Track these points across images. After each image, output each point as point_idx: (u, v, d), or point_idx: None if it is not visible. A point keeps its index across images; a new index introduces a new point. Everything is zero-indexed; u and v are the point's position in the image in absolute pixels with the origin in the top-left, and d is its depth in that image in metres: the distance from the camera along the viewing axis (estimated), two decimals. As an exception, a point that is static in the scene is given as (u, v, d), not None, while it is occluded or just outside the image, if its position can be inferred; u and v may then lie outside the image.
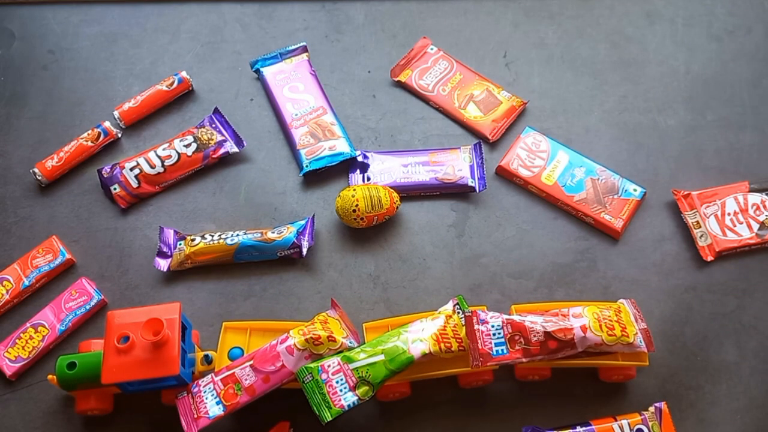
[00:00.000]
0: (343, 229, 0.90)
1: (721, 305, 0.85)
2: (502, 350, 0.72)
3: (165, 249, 0.87)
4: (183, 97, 0.99)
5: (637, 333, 0.74)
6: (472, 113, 0.97)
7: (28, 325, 0.82)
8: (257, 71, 1.00)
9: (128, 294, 0.86)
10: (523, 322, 0.73)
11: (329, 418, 0.69)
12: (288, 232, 0.86)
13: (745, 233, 0.87)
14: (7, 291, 0.84)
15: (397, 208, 0.88)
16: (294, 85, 0.98)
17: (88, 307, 0.83)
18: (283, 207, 0.92)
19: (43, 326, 0.82)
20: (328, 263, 0.88)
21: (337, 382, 0.70)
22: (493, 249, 0.88)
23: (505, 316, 0.73)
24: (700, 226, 0.88)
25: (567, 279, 0.87)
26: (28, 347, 0.81)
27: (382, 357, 0.71)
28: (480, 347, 0.72)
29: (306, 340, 0.71)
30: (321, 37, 1.04)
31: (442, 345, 0.73)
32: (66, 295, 0.84)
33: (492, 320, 0.73)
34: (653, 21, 1.05)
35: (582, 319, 0.73)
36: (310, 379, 0.70)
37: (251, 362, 0.72)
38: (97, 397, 0.75)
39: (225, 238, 0.86)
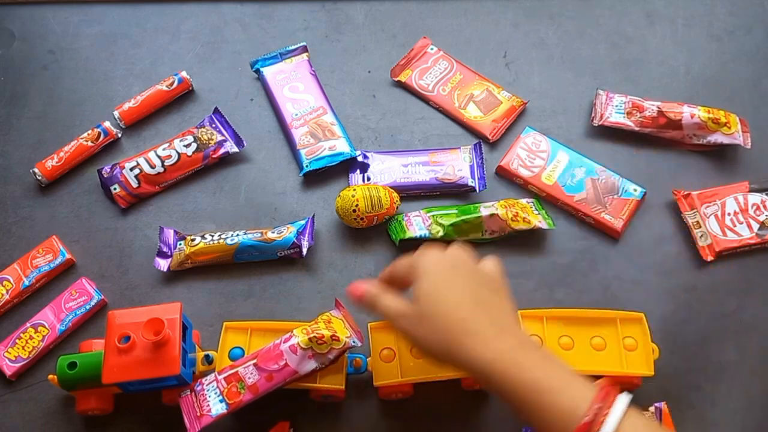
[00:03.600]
0: (343, 229, 0.90)
1: (721, 305, 0.85)
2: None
3: (165, 249, 0.87)
4: (183, 97, 0.99)
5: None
6: (472, 113, 0.97)
7: (28, 325, 0.82)
8: (257, 71, 1.00)
9: (128, 294, 0.86)
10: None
11: (402, 237, 0.84)
12: (288, 232, 0.86)
13: (745, 233, 0.87)
14: (7, 291, 0.84)
15: (397, 208, 0.88)
16: (294, 85, 0.98)
17: (88, 307, 0.84)
18: (283, 207, 0.92)
19: (43, 326, 0.82)
20: (328, 263, 0.88)
21: (414, 220, 0.87)
22: (493, 249, 0.88)
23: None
24: (700, 226, 0.88)
25: (567, 279, 0.87)
26: (28, 347, 0.81)
27: (455, 211, 0.87)
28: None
29: (309, 339, 0.71)
30: (321, 37, 1.04)
31: (510, 212, 0.85)
32: (66, 295, 0.84)
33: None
34: (653, 21, 1.06)
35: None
36: (395, 221, 0.87)
37: (254, 361, 0.72)
38: (97, 397, 0.75)
39: (225, 238, 0.86)
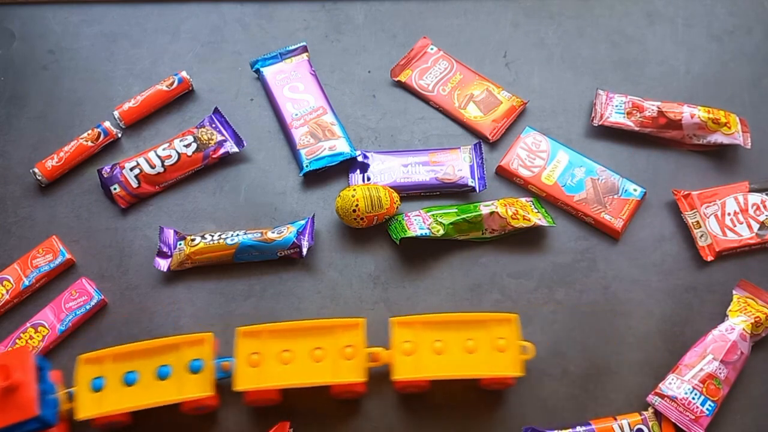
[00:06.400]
0: (343, 229, 0.90)
1: (721, 305, 0.85)
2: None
3: (165, 249, 0.87)
4: (183, 97, 0.99)
5: None
6: (472, 113, 0.97)
7: (28, 325, 0.82)
8: (257, 71, 1.00)
9: (128, 294, 0.86)
10: None
11: (404, 236, 0.84)
12: (288, 232, 0.86)
13: (745, 233, 0.87)
14: (7, 291, 0.84)
15: (397, 208, 0.88)
16: (294, 85, 0.98)
17: (88, 307, 0.84)
18: (283, 207, 0.92)
19: (43, 326, 0.82)
20: (328, 263, 0.88)
21: (414, 219, 0.86)
22: (493, 249, 0.89)
23: None
24: (700, 226, 0.88)
25: (567, 279, 0.87)
26: (28, 347, 0.81)
27: (455, 210, 0.87)
28: None
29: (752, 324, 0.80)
30: (321, 37, 1.04)
31: (509, 210, 0.85)
32: (66, 295, 0.84)
33: None
34: (653, 21, 1.06)
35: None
36: (395, 221, 0.87)
37: (713, 356, 0.78)
38: None
39: (225, 238, 0.86)
